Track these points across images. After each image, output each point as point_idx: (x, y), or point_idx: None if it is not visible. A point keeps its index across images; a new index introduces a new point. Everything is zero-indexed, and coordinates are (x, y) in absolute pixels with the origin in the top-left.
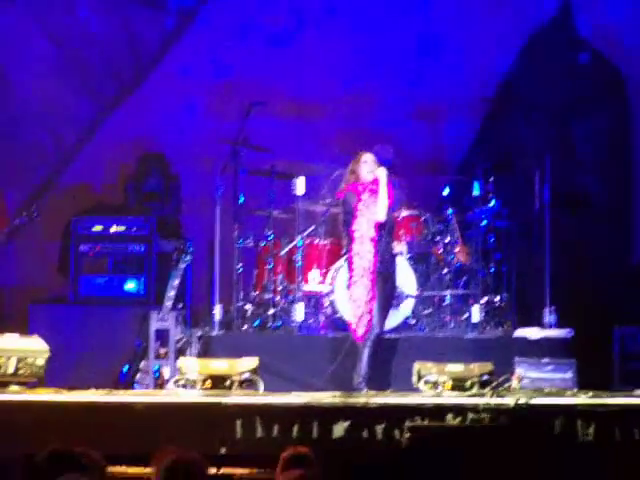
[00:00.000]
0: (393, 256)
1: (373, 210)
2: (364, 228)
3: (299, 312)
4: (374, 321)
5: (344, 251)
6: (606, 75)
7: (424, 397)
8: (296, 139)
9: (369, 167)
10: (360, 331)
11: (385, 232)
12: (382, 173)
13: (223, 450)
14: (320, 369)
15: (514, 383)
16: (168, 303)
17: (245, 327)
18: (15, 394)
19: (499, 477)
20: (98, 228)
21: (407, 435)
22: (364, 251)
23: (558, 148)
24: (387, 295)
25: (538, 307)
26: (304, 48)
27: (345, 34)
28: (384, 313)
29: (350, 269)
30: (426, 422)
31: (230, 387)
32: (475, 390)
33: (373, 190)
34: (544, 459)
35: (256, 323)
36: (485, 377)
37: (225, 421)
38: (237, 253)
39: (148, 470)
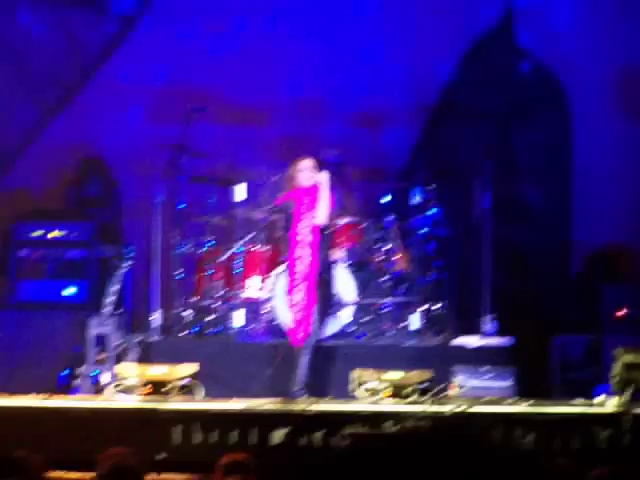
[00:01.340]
0: (332, 262)
1: (313, 215)
2: (304, 233)
3: (238, 318)
4: (313, 327)
5: (283, 257)
6: (547, 84)
7: (363, 404)
8: (236, 145)
9: (307, 174)
10: (299, 336)
11: (325, 237)
12: (323, 178)
13: (161, 455)
14: (259, 376)
15: (453, 391)
16: (107, 308)
17: (184, 333)
18: None
19: None
20: (38, 233)
21: (346, 442)
22: (304, 256)
23: (498, 156)
24: (326, 301)
25: (478, 315)
26: (244, 54)
27: (285, 41)
28: (323, 319)
29: (290, 274)
30: (365, 429)
31: (169, 393)
32: (414, 398)
33: (312, 195)
34: (482, 467)
35: (195, 329)
36: (424, 385)
37: (163, 427)
38: (176, 259)
39: (87, 475)
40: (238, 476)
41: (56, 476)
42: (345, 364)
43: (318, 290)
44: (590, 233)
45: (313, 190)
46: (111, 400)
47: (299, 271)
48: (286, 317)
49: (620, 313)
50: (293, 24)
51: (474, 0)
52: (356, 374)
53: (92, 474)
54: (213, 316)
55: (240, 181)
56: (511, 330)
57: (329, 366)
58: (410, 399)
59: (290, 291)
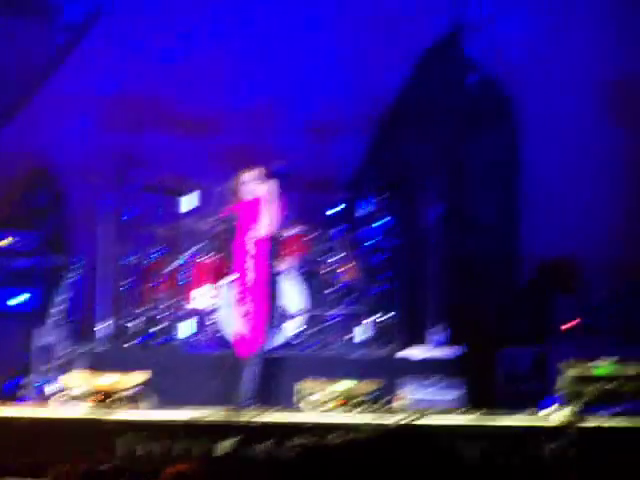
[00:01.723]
0: (277, 273)
1: (256, 227)
2: (250, 244)
3: (184, 329)
4: (261, 338)
5: (229, 269)
6: (496, 95)
7: (308, 416)
8: (184, 156)
9: (250, 187)
10: (247, 347)
11: (269, 249)
12: (267, 189)
13: (105, 466)
14: (205, 386)
15: (399, 402)
16: (54, 318)
17: (129, 343)
18: None
19: None
20: None
21: (290, 453)
22: (251, 267)
23: (448, 167)
24: (274, 312)
25: (426, 326)
26: (194, 65)
27: (235, 52)
28: (271, 330)
29: (237, 285)
30: (310, 440)
31: (114, 403)
32: (360, 409)
33: (255, 208)
34: (428, 478)
35: (140, 340)
36: (370, 396)
37: (108, 436)
38: (122, 269)
39: None
40: None
41: None
42: (291, 375)
43: (265, 301)
44: (539, 245)
45: (256, 202)
46: (56, 410)
47: (246, 283)
48: (232, 328)
49: (569, 325)
50: (243, 35)
51: (424, 12)
52: (302, 385)
53: None
54: (159, 326)
55: (188, 192)
56: (459, 341)
57: (276, 377)
58: (357, 410)
59: (238, 302)
